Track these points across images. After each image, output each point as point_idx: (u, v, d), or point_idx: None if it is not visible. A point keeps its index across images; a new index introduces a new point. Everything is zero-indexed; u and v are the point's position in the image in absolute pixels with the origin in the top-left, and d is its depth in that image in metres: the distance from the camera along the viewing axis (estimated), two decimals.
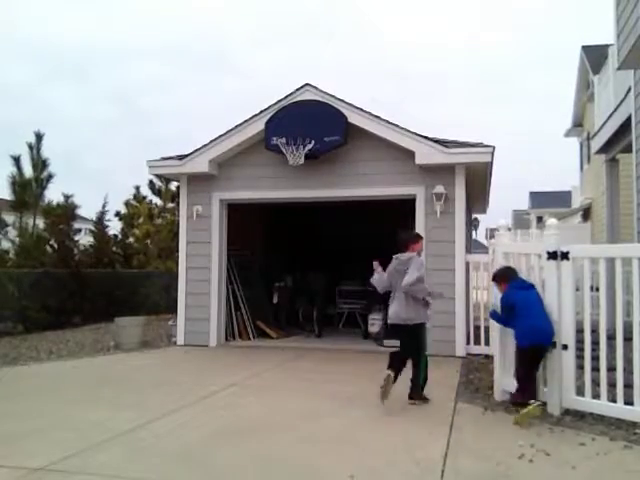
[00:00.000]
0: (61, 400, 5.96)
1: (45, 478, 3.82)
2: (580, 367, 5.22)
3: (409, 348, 5.75)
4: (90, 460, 4.11)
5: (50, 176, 15.00)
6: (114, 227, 17.22)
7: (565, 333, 5.17)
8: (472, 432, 4.74)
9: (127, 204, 18.30)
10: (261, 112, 9.47)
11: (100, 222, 15.73)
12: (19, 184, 14.56)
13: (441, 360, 8.14)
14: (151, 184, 18.65)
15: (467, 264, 8.97)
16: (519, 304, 5.29)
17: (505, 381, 5.75)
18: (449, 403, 5.68)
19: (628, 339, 4.82)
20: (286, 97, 9.43)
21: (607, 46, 10.53)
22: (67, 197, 15.03)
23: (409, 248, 5.90)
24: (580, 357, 5.22)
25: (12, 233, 14.31)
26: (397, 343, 9.82)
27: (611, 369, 4.92)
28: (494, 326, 6.22)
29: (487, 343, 8.13)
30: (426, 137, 8.77)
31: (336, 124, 9.04)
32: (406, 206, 9.31)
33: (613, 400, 4.91)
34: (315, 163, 9.28)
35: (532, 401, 5.00)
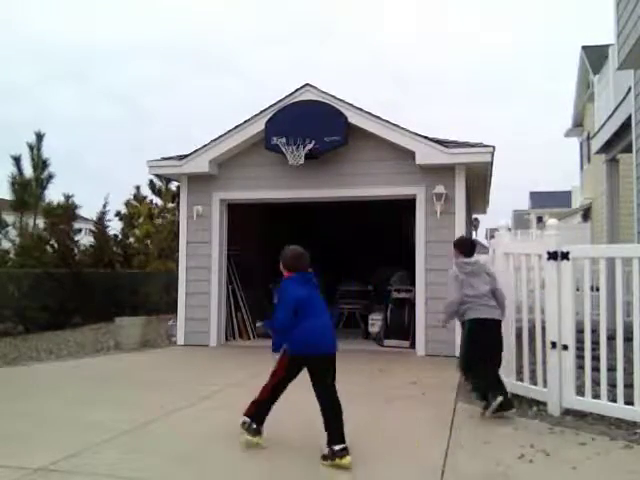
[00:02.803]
0: (61, 400, 5.96)
1: (45, 478, 3.82)
2: (580, 367, 5.22)
3: None
4: (90, 460, 4.10)
5: (50, 176, 15.06)
6: (114, 227, 17.25)
7: (565, 333, 5.17)
8: (472, 432, 4.74)
9: (127, 204, 18.30)
10: (261, 112, 9.47)
11: (100, 222, 15.72)
12: (19, 184, 14.59)
13: (441, 360, 8.14)
14: (151, 184, 18.66)
15: None
16: None
17: (506, 381, 5.75)
18: (449, 403, 5.67)
19: (628, 339, 4.82)
20: (286, 97, 9.42)
21: (607, 46, 10.55)
22: (67, 197, 15.06)
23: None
24: (580, 357, 5.22)
25: (12, 233, 14.31)
26: (397, 343, 9.85)
27: (611, 369, 4.91)
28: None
29: None
30: (426, 137, 8.77)
31: (336, 124, 9.03)
32: (406, 206, 9.32)
33: (613, 400, 4.91)
34: (315, 163, 9.28)
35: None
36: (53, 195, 15.43)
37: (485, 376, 5.17)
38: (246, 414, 4.39)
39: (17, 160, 14.67)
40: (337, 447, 3.96)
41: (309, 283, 4.34)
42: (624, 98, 8.75)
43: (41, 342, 10.24)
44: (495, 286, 5.39)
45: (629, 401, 4.77)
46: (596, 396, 5.03)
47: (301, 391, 6.40)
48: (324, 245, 13.11)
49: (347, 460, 3.92)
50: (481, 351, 5.18)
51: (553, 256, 5.29)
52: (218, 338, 9.83)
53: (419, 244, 8.90)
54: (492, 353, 5.26)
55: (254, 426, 4.35)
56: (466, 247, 5.51)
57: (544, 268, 5.46)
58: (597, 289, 5.27)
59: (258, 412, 4.36)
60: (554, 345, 5.20)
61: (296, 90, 9.42)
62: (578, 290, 5.77)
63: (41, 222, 14.75)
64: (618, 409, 4.86)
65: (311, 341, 4.13)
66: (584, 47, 18.75)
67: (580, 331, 5.22)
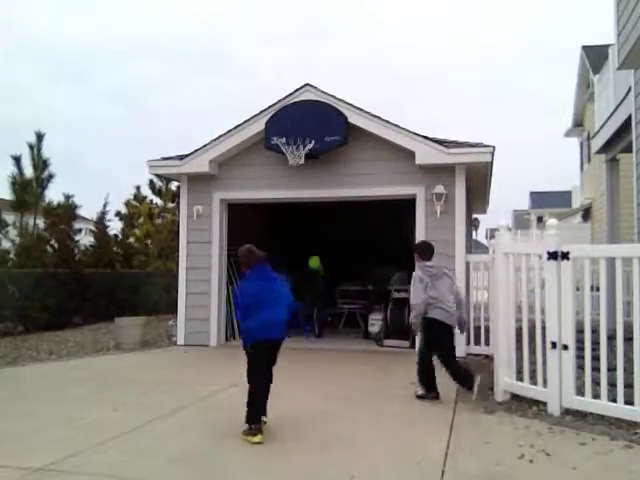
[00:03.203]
0: (61, 400, 5.96)
1: (45, 478, 3.82)
2: (580, 367, 5.22)
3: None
4: (90, 460, 4.11)
5: (50, 176, 15.02)
6: (114, 227, 17.23)
7: (565, 333, 5.17)
8: (472, 432, 4.74)
9: (127, 204, 18.30)
10: (261, 112, 9.47)
11: (101, 222, 15.71)
12: (20, 184, 14.57)
13: None
14: (151, 184, 18.66)
15: (467, 264, 8.96)
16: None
17: (506, 381, 5.76)
18: (449, 403, 5.67)
19: (628, 339, 4.82)
20: (286, 97, 9.42)
21: (607, 46, 10.54)
22: (68, 197, 15.04)
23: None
24: (580, 357, 5.22)
25: (12, 233, 14.30)
26: (397, 343, 9.88)
27: (611, 369, 4.91)
28: (496, 326, 6.22)
29: (487, 343, 8.13)
30: (426, 137, 8.77)
31: (336, 124, 9.03)
32: (406, 206, 9.31)
33: (613, 400, 4.90)
34: (315, 163, 9.27)
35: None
36: (53, 195, 15.43)
37: (427, 369, 5.80)
38: (245, 421, 4.63)
39: (17, 160, 14.65)
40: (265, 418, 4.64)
41: (263, 277, 4.87)
42: (624, 98, 8.74)
43: (41, 342, 10.24)
44: (456, 289, 6.02)
45: (629, 401, 4.77)
46: (596, 396, 5.03)
47: (301, 391, 6.40)
48: (324, 245, 13.12)
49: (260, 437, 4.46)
50: (432, 346, 5.83)
51: (553, 256, 5.29)
52: (218, 338, 9.83)
53: None
54: (443, 351, 5.83)
55: (253, 427, 4.54)
56: (426, 251, 6.03)
57: (544, 268, 5.46)
58: (597, 289, 5.28)
59: (252, 413, 4.63)
60: (554, 345, 5.20)
61: (296, 90, 9.42)
62: (578, 290, 5.77)
63: (41, 222, 14.73)
64: (618, 409, 4.86)
65: (261, 328, 4.69)
66: (584, 47, 18.75)
67: (580, 331, 5.22)
